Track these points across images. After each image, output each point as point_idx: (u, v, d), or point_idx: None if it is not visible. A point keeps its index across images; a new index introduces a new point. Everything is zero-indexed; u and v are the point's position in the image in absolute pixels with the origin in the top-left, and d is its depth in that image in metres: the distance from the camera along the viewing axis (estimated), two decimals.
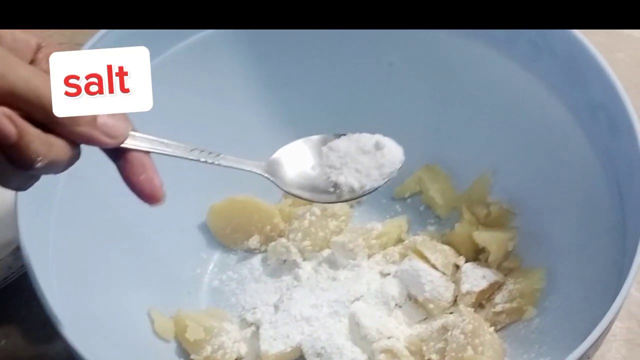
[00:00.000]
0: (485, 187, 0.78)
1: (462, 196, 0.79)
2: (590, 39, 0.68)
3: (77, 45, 0.69)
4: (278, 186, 0.61)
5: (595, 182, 0.69)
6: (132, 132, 0.53)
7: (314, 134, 0.68)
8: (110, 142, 0.51)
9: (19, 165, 0.48)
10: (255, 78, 0.78)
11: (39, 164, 0.48)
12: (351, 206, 0.81)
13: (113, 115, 0.51)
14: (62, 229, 0.66)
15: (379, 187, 0.62)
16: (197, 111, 0.76)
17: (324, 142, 0.63)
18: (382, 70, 0.79)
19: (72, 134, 0.49)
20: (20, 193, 0.62)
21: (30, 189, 0.62)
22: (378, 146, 0.62)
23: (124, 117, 0.52)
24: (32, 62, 0.51)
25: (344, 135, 0.63)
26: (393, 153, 0.62)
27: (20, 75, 0.47)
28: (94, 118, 0.50)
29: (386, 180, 0.62)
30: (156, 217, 0.74)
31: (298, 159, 0.62)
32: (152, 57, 0.71)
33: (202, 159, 0.56)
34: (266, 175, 0.60)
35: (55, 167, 0.50)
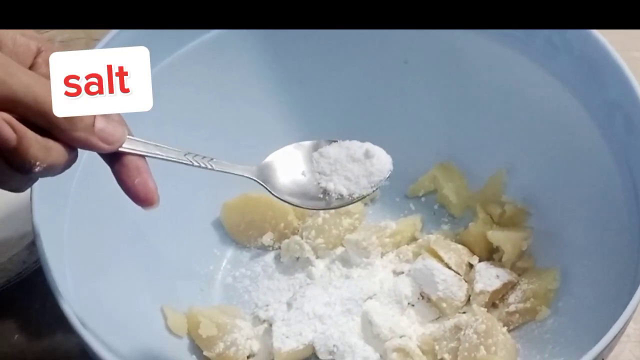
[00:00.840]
0: (500, 186, 0.77)
1: (476, 195, 0.79)
2: (607, 37, 0.68)
3: (94, 41, 0.69)
4: (269, 191, 0.61)
5: (610, 182, 0.68)
6: (127, 136, 0.53)
7: (327, 132, 0.68)
8: (107, 147, 0.52)
9: (17, 169, 0.49)
10: (269, 76, 0.78)
11: (37, 168, 0.49)
12: (365, 204, 0.81)
13: (110, 121, 0.52)
14: (77, 224, 0.66)
15: (367, 195, 0.63)
16: (209, 109, 0.76)
17: (315, 148, 0.64)
18: (397, 67, 0.79)
19: (70, 139, 0.50)
20: (35, 188, 0.62)
21: (46, 184, 0.62)
22: (368, 154, 0.63)
23: (121, 122, 0.53)
24: (32, 66, 0.51)
25: (335, 142, 0.64)
26: (382, 162, 0.63)
27: (21, 81, 0.48)
28: (91, 123, 0.50)
29: (374, 188, 0.63)
30: (171, 214, 0.74)
31: (289, 164, 0.63)
32: (164, 55, 0.73)
33: (195, 164, 0.57)
34: (257, 180, 0.61)
35: (53, 170, 0.50)
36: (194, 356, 0.71)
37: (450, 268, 0.73)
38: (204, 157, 0.58)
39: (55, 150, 0.49)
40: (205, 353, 0.71)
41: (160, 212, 0.73)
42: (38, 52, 0.51)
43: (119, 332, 0.65)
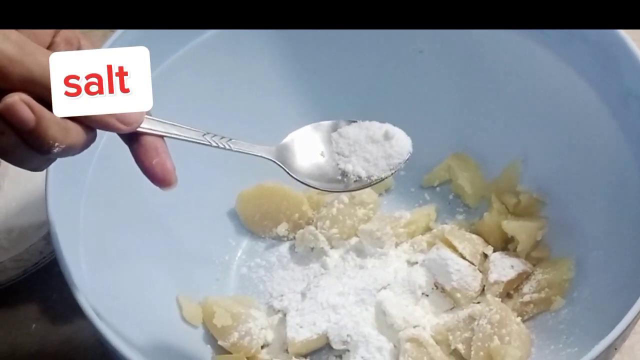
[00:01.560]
0: (515, 176, 0.77)
1: (491, 185, 0.79)
2: None
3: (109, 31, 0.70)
4: (287, 172, 0.61)
5: (626, 171, 0.68)
6: (146, 116, 0.53)
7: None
8: (125, 128, 0.51)
9: (36, 150, 0.49)
10: (284, 66, 0.78)
11: (56, 149, 0.49)
12: (379, 194, 0.81)
13: None
14: (92, 215, 0.66)
15: (386, 177, 0.62)
16: (223, 98, 0.76)
17: (334, 128, 0.63)
18: (412, 57, 0.79)
19: (88, 120, 0.50)
20: (50, 178, 0.63)
21: (61, 175, 0.63)
22: (387, 136, 0.62)
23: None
24: (50, 45, 0.51)
25: (355, 122, 0.63)
26: (401, 144, 0.62)
27: (38, 62, 0.48)
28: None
29: (393, 171, 0.62)
30: (186, 204, 0.75)
31: (308, 145, 0.62)
32: (179, 45, 0.73)
33: (214, 144, 0.57)
34: (276, 160, 0.61)
35: (72, 150, 0.50)
36: (208, 346, 0.72)
37: (464, 258, 0.73)
38: (223, 137, 0.57)
39: (74, 131, 0.49)
40: (219, 343, 0.71)
41: (176, 202, 0.74)
42: (56, 31, 0.51)
43: (134, 322, 0.66)
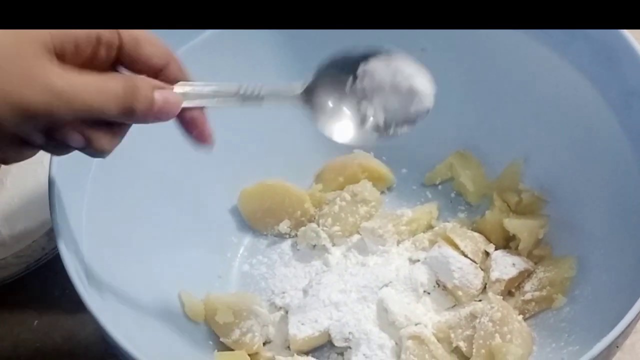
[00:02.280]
0: (517, 174, 0.77)
1: (493, 183, 0.79)
2: None
3: None
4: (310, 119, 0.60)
5: (628, 170, 0.68)
6: (182, 89, 0.57)
7: None
8: (167, 119, 0.56)
9: (90, 155, 0.55)
10: (286, 64, 0.78)
11: (105, 155, 0.55)
12: (382, 192, 0.81)
13: (166, 93, 0.55)
14: (95, 211, 0.66)
15: (401, 134, 0.60)
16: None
17: (365, 58, 0.60)
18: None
19: (133, 123, 0.55)
20: (54, 175, 0.63)
21: (64, 172, 0.63)
22: (411, 92, 0.59)
23: (174, 91, 0.56)
24: (92, 54, 0.54)
25: (386, 54, 0.60)
26: (423, 103, 0.60)
27: (89, 93, 0.51)
28: (149, 105, 0.53)
29: (407, 131, 0.60)
30: (189, 201, 0.76)
31: (334, 83, 0.60)
32: (184, 40, 0.73)
33: (247, 94, 0.58)
34: (302, 108, 0.60)
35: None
36: (210, 342, 0.72)
37: (466, 256, 0.73)
38: (254, 87, 0.59)
39: (119, 135, 0.55)
40: (221, 339, 0.71)
41: (179, 199, 0.75)
42: (98, 40, 0.53)
43: (136, 318, 0.66)
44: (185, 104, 0.57)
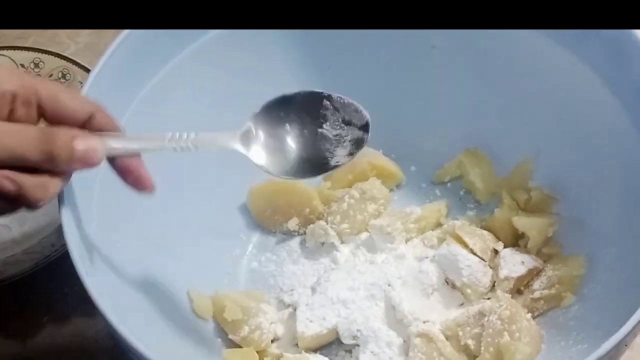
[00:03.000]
0: (527, 172, 0.77)
1: (502, 181, 0.78)
2: None
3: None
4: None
5: (638, 168, 0.68)
6: (110, 142, 0.58)
7: None
8: (94, 165, 0.57)
9: (27, 207, 0.56)
10: (297, 60, 0.78)
11: (41, 204, 0.55)
12: (390, 190, 0.81)
13: (87, 139, 0.56)
14: (104, 209, 0.66)
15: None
16: (238, 93, 0.76)
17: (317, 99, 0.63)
18: (425, 53, 0.79)
19: (59, 171, 0.56)
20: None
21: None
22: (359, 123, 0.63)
23: (96, 139, 0.57)
24: (10, 112, 0.55)
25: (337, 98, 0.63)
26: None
27: (16, 138, 0.53)
28: (71, 153, 0.55)
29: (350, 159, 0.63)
30: (197, 198, 0.76)
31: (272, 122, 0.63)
32: (194, 38, 0.73)
33: (178, 148, 0.59)
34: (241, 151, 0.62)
35: (55, 194, 0.57)
36: (219, 339, 0.72)
37: (475, 254, 0.73)
38: (187, 135, 0.59)
39: (52, 184, 0.55)
40: (230, 336, 0.72)
41: (188, 197, 0.75)
42: (13, 97, 0.55)
43: (145, 315, 0.66)
44: (113, 151, 0.58)
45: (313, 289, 0.74)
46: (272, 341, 0.73)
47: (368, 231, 0.77)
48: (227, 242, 0.79)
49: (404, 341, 0.70)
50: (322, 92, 0.63)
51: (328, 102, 0.63)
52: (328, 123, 0.63)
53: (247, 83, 0.76)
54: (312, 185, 0.80)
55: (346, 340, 0.71)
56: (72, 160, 0.55)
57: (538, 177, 0.77)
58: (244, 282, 0.77)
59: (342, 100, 0.63)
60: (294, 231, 0.80)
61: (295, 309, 0.73)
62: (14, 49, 0.87)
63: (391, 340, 0.69)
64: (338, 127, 0.63)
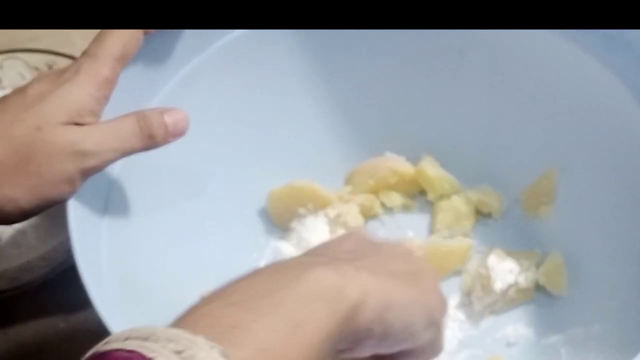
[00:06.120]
0: (551, 185, 0.76)
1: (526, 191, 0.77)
2: None
3: None
4: None
5: None
6: None
7: (373, 123, 0.69)
8: (183, 135, 0.61)
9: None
10: (312, 68, 0.76)
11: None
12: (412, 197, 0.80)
13: (174, 115, 0.60)
14: (116, 218, 0.66)
15: None
16: (250, 106, 0.75)
17: None
18: (450, 57, 0.76)
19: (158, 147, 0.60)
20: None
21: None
22: None
23: (177, 109, 0.61)
24: None
25: None
26: None
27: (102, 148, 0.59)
28: (166, 130, 0.59)
29: None
30: (216, 201, 0.75)
31: None
32: (204, 47, 0.71)
33: None
34: None
35: None
36: None
37: None
38: None
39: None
40: None
41: (206, 201, 0.74)
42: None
43: (158, 321, 0.66)
44: None
45: None
46: None
47: None
48: (245, 246, 0.78)
49: None
50: None
51: None
52: None
53: (258, 93, 0.75)
54: (332, 189, 0.79)
55: None
56: (169, 136, 0.59)
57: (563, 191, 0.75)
58: None
59: None
60: None
61: None
62: (28, 52, 0.87)
63: None
64: None
